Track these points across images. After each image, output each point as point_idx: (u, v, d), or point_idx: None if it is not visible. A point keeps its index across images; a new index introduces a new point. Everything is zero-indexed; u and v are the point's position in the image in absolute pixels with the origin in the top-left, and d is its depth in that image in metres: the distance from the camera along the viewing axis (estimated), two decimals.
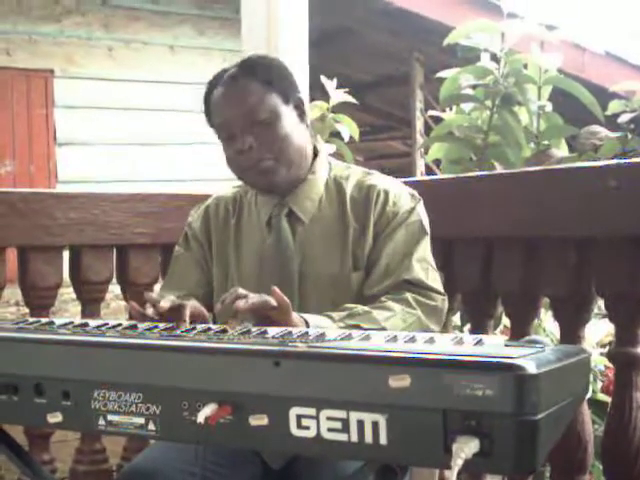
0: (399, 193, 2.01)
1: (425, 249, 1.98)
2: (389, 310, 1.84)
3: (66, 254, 2.79)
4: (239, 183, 2.20)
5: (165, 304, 1.64)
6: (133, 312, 1.70)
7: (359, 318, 1.80)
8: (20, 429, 2.43)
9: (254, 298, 1.65)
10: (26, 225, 2.64)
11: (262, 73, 1.98)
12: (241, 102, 1.95)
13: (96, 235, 2.75)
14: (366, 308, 1.84)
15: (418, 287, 1.91)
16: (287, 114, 1.98)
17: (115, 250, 2.86)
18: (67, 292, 3.12)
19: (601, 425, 2.99)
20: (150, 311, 1.67)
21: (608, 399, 2.99)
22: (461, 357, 1.15)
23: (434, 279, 1.96)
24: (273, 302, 1.66)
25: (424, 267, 1.95)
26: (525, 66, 3.43)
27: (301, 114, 2.03)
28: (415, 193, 2.05)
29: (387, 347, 1.28)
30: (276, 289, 1.67)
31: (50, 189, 6.51)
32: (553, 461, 2.24)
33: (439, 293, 1.95)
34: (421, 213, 2.01)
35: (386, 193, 1.99)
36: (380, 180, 2.04)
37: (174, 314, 1.65)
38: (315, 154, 2.08)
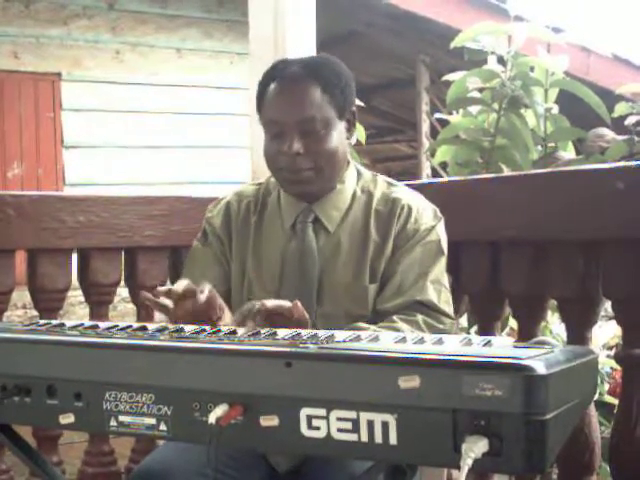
0: (422, 210, 2.01)
1: (440, 270, 1.98)
2: (400, 332, 1.84)
3: (75, 257, 2.80)
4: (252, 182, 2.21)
5: (179, 287, 1.65)
6: (147, 301, 1.69)
7: None
8: (28, 431, 2.43)
9: (280, 302, 1.67)
10: (35, 228, 2.65)
11: (325, 79, 1.95)
12: (299, 106, 1.93)
13: (104, 238, 2.76)
14: (377, 328, 1.84)
15: (429, 309, 1.92)
16: (339, 128, 1.97)
17: (123, 253, 2.87)
18: (74, 295, 3.13)
19: (608, 427, 3.00)
20: (165, 301, 1.67)
21: (615, 401, 3.00)
22: (470, 358, 1.15)
23: (446, 302, 1.96)
24: (293, 310, 1.67)
25: (437, 289, 1.95)
26: (532, 69, 3.44)
27: (350, 128, 2.02)
28: (437, 211, 2.05)
29: (397, 348, 1.29)
30: (298, 303, 1.68)
31: (58, 192, 6.53)
32: (561, 462, 2.24)
33: (449, 317, 1.95)
34: (440, 233, 2.01)
35: (409, 208, 1.99)
36: (405, 194, 2.04)
37: (191, 302, 1.67)
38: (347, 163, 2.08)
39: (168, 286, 1.71)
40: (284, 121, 1.93)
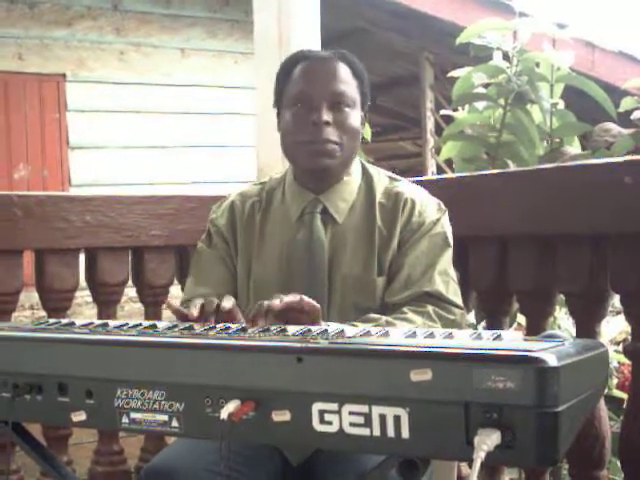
0: (426, 203, 2.02)
1: (447, 261, 1.99)
2: (411, 323, 1.85)
3: (82, 257, 2.80)
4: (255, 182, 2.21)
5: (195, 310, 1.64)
6: (176, 314, 1.68)
7: None
8: (38, 432, 2.44)
9: (288, 297, 1.64)
10: (42, 228, 2.65)
11: (355, 67, 2.02)
12: (331, 80, 1.97)
13: (112, 237, 2.76)
14: (389, 319, 1.85)
15: (438, 300, 1.92)
16: (359, 115, 2.02)
17: (131, 252, 2.88)
18: (81, 295, 3.13)
19: (617, 422, 3.00)
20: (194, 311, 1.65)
21: (624, 395, 3.00)
22: (482, 350, 1.16)
23: (454, 292, 1.96)
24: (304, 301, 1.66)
25: (445, 280, 1.95)
26: (537, 64, 3.43)
27: (362, 123, 2.05)
28: (441, 203, 2.06)
29: (408, 342, 1.29)
30: (304, 297, 1.67)
31: (65, 192, 6.54)
32: (571, 457, 2.24)
33: (458, 307, 1.95)
34: (445, 225, 2.02)
35: (413, 202, 2.00)
36: (407, 188, 2.05)
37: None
38: None
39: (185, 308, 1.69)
40: (315, 93, 1.95)
